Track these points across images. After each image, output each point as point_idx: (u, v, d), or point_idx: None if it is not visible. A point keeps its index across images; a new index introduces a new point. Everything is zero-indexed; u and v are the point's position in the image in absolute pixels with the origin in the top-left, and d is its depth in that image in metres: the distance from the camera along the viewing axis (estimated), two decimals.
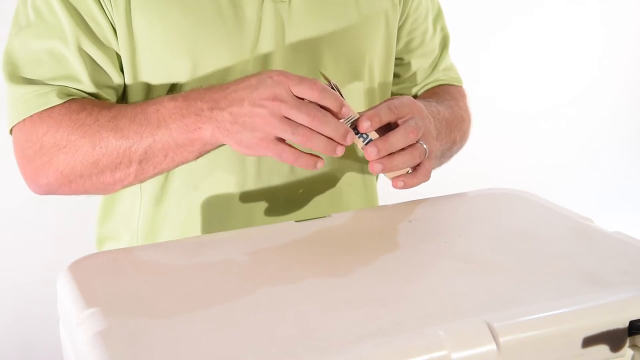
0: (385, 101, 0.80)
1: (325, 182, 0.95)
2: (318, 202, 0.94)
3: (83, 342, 0.57)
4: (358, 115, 0.77)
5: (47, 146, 0.83)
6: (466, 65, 1.12)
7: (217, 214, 0.90)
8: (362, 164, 0.99)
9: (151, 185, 0.91)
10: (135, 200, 0.93)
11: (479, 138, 1.08)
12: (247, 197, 0.90)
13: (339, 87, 0.80)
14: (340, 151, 0.75)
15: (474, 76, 1.12)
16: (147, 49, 0.86)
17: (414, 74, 1.05)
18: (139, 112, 0.81)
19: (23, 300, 1.63)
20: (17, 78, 0.85)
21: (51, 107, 0.83)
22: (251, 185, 0.90)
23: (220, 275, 0.68)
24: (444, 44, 1.08)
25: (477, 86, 1.11)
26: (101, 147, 0.81)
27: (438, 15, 1.07)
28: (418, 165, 0.80)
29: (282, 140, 0.76)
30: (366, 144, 0.77)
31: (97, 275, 0.68)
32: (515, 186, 0.90)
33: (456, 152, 1.03)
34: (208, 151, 0.82)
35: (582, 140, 2.33)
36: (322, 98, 0.74)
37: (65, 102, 0.83)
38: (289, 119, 0.74)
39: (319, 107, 0.75)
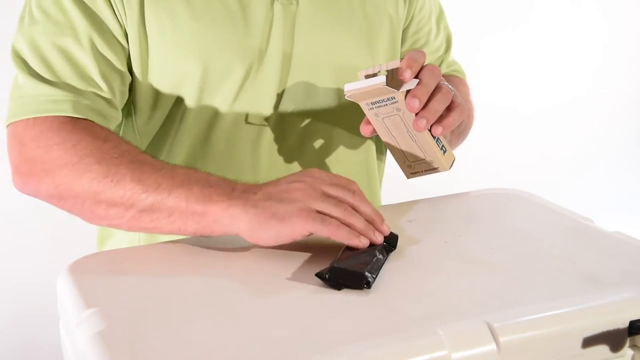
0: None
1: None
2: None
3: (83, 342, 0.57)
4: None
5: (54, 157, 0.78)
6: (467, 64, 1.12)
7: None
8: (366, 165, 0.99)
9: None
10: None
11: (479, 137, 1.08)
12: None
13: (386, 67, 0.78)
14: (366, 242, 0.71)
15: (474, 76, 1.12)
16: (158, 51, 0.85)
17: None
18: (166, 167, 0.77)
19: (23, 299, 1.63)
20: (31, 71, 0.82)
21: (75, 120, 0.80)
22: None
23: (220, 275, 0.68)
24: (448, 43, 1.09)
25: (477, 85, 1.11)
26: (112, 180, 0.76)
27: (440, 15, 1.08)
28: (449, 105, 0.80)
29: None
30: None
31: (97, 275, 0.68)
32: (515, 186, 0.90)
33: (465, 135, 1.03)
34: (208, 235, 0.75)
35: (582, 140, 2.33)
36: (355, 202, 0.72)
37: (89, 121, 0.80)
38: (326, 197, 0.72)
39: (350, 204, 0.72)
